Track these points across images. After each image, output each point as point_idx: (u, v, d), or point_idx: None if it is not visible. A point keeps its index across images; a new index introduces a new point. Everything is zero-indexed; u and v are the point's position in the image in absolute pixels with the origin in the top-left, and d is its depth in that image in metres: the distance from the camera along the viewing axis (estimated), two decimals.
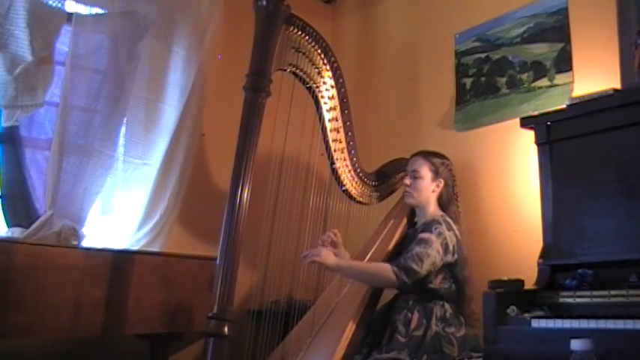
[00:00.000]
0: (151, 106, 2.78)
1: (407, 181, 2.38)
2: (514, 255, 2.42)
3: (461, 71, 2.91)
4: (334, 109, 2.34)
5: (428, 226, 2.26)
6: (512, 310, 1.83)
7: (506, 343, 1.78)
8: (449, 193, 2.38)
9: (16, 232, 2.39)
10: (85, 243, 2.49)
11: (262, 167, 2.15)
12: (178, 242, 2.81)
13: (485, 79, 2.80)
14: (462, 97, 2.89)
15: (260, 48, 2.09)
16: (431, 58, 3.11)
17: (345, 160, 2.39)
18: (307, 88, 2.30)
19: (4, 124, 2.47)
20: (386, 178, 2.57)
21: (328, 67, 2.30)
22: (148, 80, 2.76)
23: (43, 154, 2.55)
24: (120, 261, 2.33)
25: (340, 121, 2.36)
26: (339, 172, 2.38)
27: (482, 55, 2.83)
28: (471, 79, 2.86)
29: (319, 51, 2.27)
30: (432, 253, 2.15)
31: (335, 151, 2.35)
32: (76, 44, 2.50)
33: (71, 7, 2.54)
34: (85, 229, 2.53)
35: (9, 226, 2.49)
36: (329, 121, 2.33)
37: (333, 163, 2.36)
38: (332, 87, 2.33)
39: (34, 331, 2.07)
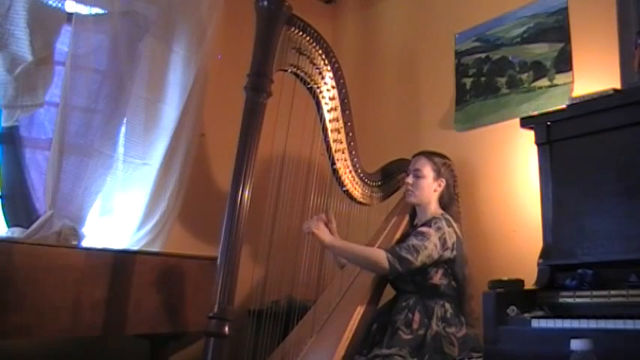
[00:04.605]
0: (151, 106, 2.78)
1: (409, 179, 2.39)
2: (514, 255, 2.41)
3: (461, 71, 2.91)
4: (335, 109, 2.34)
5: (427, 222, 2.27)
6: (512, 310, 1.83)
7: (506, 343, 1.78)
8: (450, 193, 2.39)
9: (16, 232, 2.39)
10: (85, 243, 2.49)
11: (263, 168, 2.15)
12: (178, 242, 2.81)
13: (485, 79, 2.80)
14: (462, 97, 2.89)
15: (261, 48, 2.08)
16: (431, 58, 3.11)
17: (345, 160, 2.38)
18: (308, 88, 2.29)
19: (4, 124, 2.47)
20: (387, 179, 2.57)
21: (329, 68, 2.30)
22: (148, 80, 2.76)
23: (43, 154, 2.55)
24: (120, 261, 2.32)
25: (341, 121, 2.35)
26: (340, 172, 2.37)
27: (483, 55, 2.82)
28: (471, 79, 2.86)
29: (320, 52, 2.26)
30: (429, 245, 2.16)
31: (336, 151, 2.35)
32: (76, 44, 2.50)
33: (71, 7, 2.54)
34: (85, 229, 2.52)
35: (9, 226, 2.49)
36: (330, 121, 2.33)
37: (333, 163, 2.35)
38: (333, 87, 2.32)
39: (34, 331, 2.07)
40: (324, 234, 2.26)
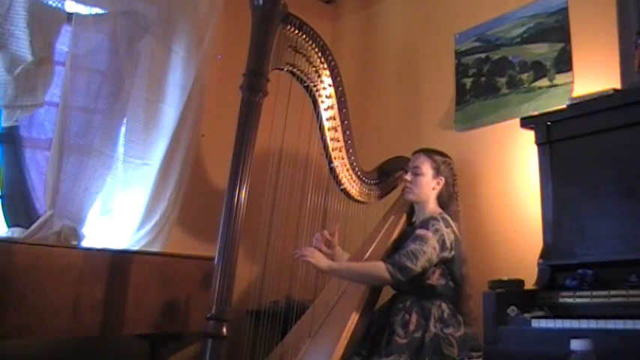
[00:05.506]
0: (150, 106, 2.78)
1: (407, 177, 2.38)
2: (514, 255, 2.41)
3: (461, 71, 2.91)
4: (332, 107, 2.33)
5: (425, 223, 2.25)
6: (512, 310, 1.83)
7: (506, 343, 1.78)
8: (449, 192, 2.38)
9: (16, 232, 2.40)
10: (85, 243, 2.49)
11: (260, 167, 2.14)
12: (178, 242, 2.81)
13: (485, 79, 2.80)
14: (462, 97, 2.88)
15: (257, 47, 2.07)
16: (431, 58, 3.10)
17: (343, 158, 2.37)
18: (305, 87, 2.28)
19: (4, 124, 2.47)
20: (384, 177, 2.55)
21: (326, 66, 2.29)
22: (148, 80, 2.76)
23: (43, 154, 2.56)
24: (120, 261, 2.32)
25: (338, 119, 2.34)
26: (337, 171, 2.36)
27: (483, 55, 2.82)
28: (471, 79, 2.86)
29: (317, 50, 2.25)
30: (428, 249, 2.15)
31: (333, 150, 2.34)
32: (76, 44, 2.50)
33: (71, 7, 2.55)
34: (85, 229, 2.53)
35: (9, 226, 2.49)
36: (327, 119, 2.32)
37: (331, 162, 2.35)
38: (330, 86, 2.31)
39: (34, 331, 2.07)
40: (318, 260, 2.21)
